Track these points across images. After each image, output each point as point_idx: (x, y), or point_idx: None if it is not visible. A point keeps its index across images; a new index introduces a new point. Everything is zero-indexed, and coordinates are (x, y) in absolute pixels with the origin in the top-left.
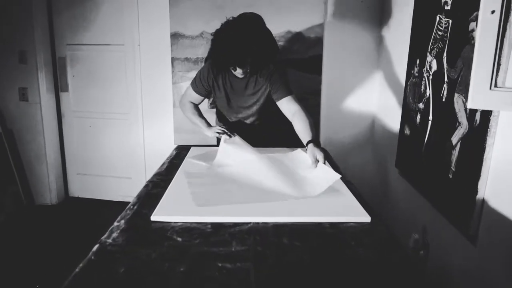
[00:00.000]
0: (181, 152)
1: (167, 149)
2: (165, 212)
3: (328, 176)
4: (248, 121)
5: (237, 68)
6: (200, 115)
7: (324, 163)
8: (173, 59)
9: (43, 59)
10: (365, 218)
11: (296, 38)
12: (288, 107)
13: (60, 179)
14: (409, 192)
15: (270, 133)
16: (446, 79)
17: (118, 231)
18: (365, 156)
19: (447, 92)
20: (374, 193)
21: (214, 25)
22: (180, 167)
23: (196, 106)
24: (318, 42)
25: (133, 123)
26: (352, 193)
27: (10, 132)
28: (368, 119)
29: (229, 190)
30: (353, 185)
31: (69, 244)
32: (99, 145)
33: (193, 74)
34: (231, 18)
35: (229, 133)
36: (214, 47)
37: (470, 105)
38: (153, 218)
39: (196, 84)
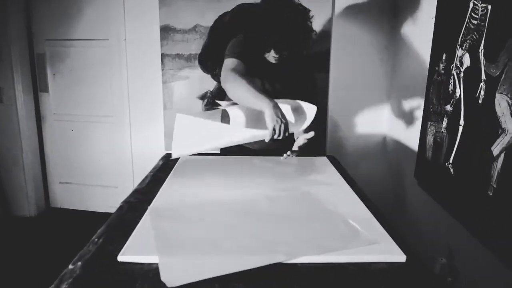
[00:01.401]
0: (168, 162)
1: (157, 156)
2: (137, 250)
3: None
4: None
5: (273, 53)
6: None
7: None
8: (163, 56)
9: (19, 56)
10: (399, 257)
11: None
12: None
13: (40, 188)
14: (431, 207)
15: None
16: (483, 77)
17: (70, 279)
18: (377, 164)
19: (485, 92)
20: (388, 206)
21: (209, 17)
22: (165, 183)
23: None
24: (325, 36)
25: (119, 127)
26: (378, 221)
27: None
28: (381, 122)
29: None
30: (377, 208)
31: (49, 261)
32: (82, 151)
33: (185, 72)
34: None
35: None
36: (253, 25)
37: None
38: (121, 258)
39: (234, 50)
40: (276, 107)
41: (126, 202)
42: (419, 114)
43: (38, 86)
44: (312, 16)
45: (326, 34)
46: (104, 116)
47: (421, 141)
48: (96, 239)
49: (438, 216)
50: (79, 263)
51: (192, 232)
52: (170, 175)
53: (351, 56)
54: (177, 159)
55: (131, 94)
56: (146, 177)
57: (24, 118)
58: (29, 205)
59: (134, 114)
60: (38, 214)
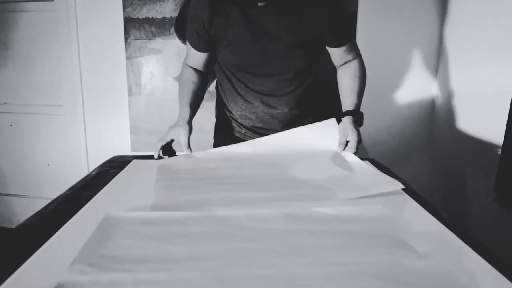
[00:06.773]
0: (110, 170)
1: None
2: None
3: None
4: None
5: None
6: (193, 96)
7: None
8: (126, 21)
9: None
10: None
11: None
12: (344, 55)
13: None
14: None
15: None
16: None
17: None
18: (420, 170)
19: None
20: None
21: None
22: (73, 218)
23: (198, 74)
24: None
25: (70, 120)
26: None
27: None
28: (428, 108)
29: None
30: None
31: None
32: (24, 153)
33: (158, 43)
34: None
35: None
36: None
37: None
38: None
39: (189, 32)
40: (177, 125)
41: None
42: (498, 92)
43: None
44: None
45: None
46: (51, 106)
47: (509, 135)
48: None
49: None
50: None
51: None
52: (94, 198)
53: (385, 18)
54: (128, 162)
55: (84, 76)
56: (57, 198)
57: None
58: None
59: (89, 102)
60: None
